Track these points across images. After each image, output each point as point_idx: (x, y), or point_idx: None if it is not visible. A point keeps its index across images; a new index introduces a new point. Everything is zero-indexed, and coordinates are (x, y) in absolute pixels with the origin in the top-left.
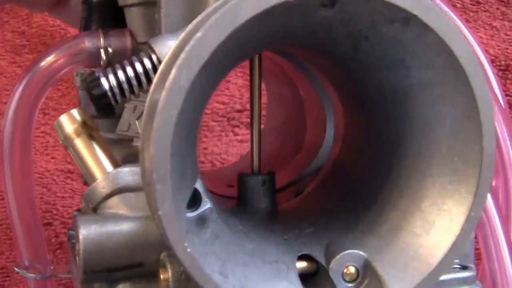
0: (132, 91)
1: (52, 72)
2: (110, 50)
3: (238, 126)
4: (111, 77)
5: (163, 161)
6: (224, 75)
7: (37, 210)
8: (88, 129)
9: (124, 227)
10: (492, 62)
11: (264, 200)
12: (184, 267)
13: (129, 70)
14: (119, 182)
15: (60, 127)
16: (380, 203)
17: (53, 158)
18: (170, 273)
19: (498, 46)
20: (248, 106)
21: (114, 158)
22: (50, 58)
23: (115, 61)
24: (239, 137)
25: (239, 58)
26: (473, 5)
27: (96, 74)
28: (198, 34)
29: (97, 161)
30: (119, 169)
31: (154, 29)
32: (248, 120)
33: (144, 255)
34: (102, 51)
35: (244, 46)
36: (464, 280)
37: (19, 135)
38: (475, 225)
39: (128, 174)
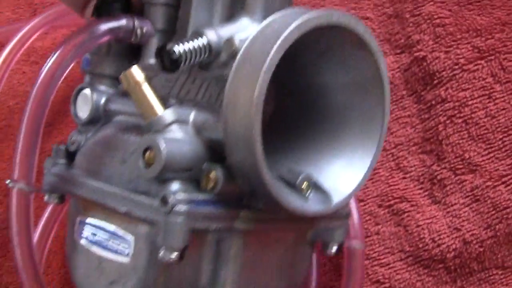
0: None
1: (93, 39)
2: (144, 30)
3: None
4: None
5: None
6: None
7: None
8: (146, 80)
9: (182, 141)
10: None
11: None
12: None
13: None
14: (173, 116)
15: (126, 78)
16: (317, 143)
17: None
18: (220, 172)
19: None
20: None
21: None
22: (92, 29)
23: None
24: None
25: None
26: None
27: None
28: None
29: (154, 103)
30: (173, 108)
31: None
32: None
33: (195, 163)
34: (138, 30)
35: None
36: None
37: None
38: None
39: (178, 112)
